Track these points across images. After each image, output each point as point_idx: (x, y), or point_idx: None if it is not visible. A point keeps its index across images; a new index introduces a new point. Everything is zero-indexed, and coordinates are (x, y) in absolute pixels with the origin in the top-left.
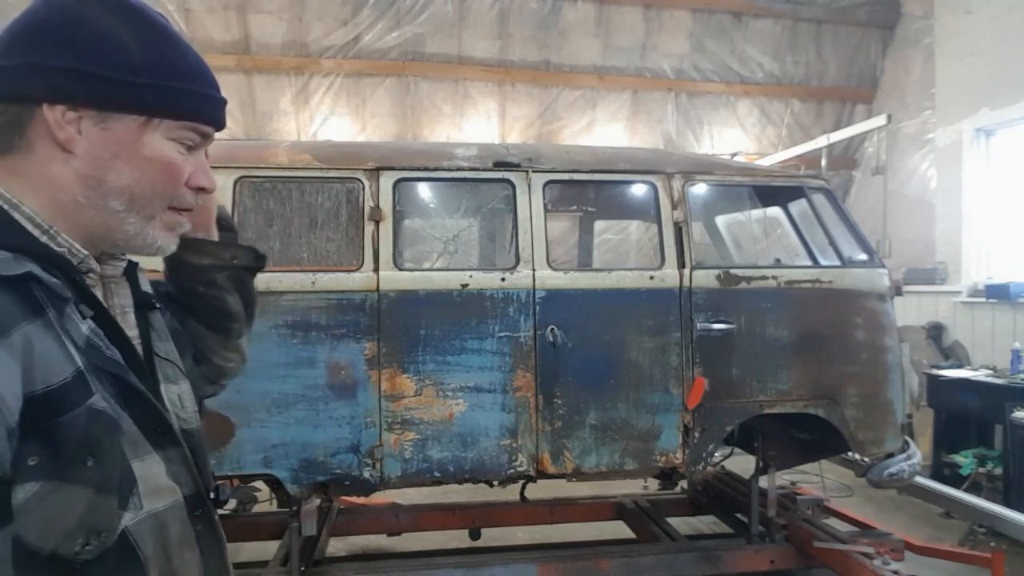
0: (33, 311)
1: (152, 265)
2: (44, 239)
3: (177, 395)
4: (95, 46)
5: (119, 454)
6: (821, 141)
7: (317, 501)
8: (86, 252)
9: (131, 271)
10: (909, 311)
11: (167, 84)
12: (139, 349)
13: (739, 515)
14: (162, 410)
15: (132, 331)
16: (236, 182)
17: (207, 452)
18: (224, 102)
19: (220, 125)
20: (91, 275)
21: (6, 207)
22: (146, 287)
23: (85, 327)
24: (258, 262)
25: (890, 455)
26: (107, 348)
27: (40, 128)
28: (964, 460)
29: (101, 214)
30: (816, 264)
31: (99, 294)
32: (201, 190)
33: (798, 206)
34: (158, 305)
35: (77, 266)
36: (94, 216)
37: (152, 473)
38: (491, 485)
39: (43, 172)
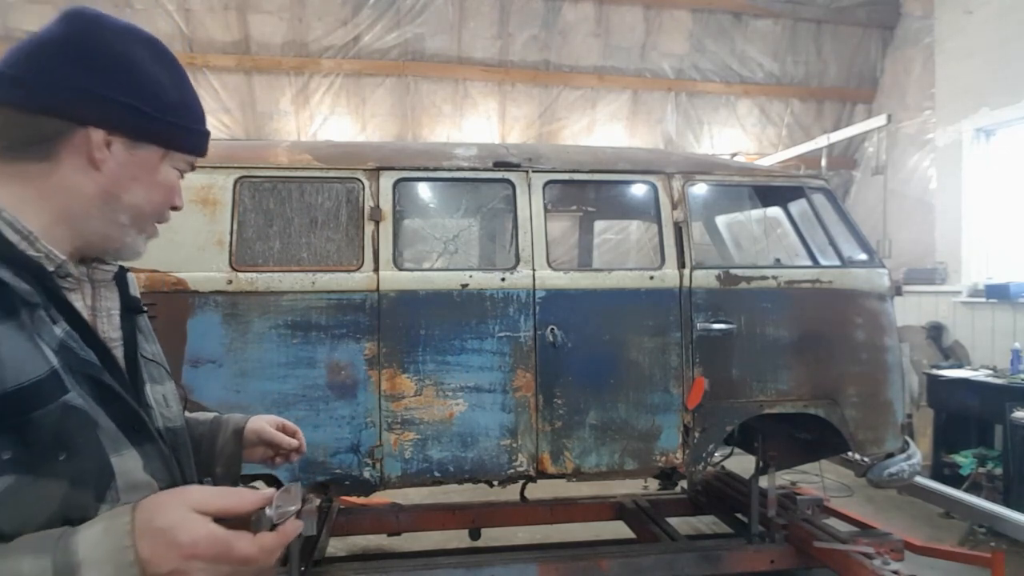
0: (5, 313)
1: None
2: (22, 245)
3: (162, 395)
4: (146, 86)
5: (96, 449)
6: (821, 141)
7: (317, 501)
8: (63, 258)
9: (121, 276)
10: (909, 311)
11: (187, 124)
12: (120, 351)
13: (739, 515)
14: (136, 407)
15: (116, 333)
16: (236, 182)
17: (191, 450)
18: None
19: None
20: (69, 279)
21: None
22: (135, 292)
23: (59, 330)
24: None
25: (890, 455)
26: (81, 349)
27: (74, 143)
28: (964, 460)
29: (106, 225)
30: (816, 264)
31: (86, 297)
32: (175, 208)
33: (798, 206)
34: (145, 309)
35: (54, 271)
36: (98, 227)
37: (130, 468)
38: (491, 485)
39: (63, 182)
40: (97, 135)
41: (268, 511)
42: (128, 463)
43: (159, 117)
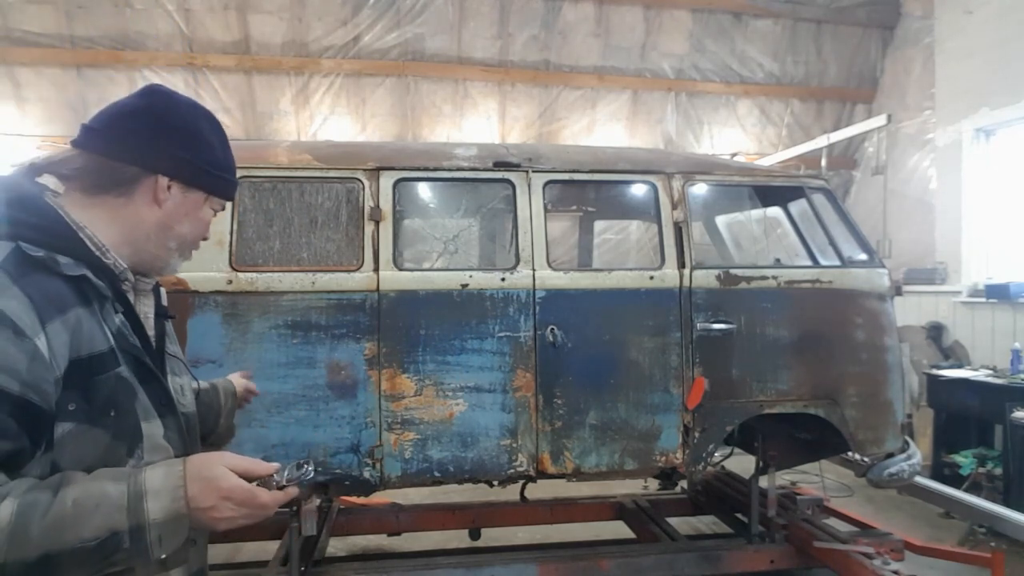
0: (84, 301)
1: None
2: (97, 254)
3: (180, 385)
4: (203, 148)
5: (133, 414)
6: (821, 141)
7: (317, 501)
8: (125, 266)
9: (155, 288)
10: (909, 311)
11: (226, 177)
12: (154, 344)
13: (739, 515)
14: (165, 385)
15: (151, 331)
16: None
17: (198, 433)
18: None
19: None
20: (126, 283)
21: (75, 228)
22: (164, 302)
23: (117, 319)
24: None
25: (890, 455)
26: (131, 336)
27: (145, 186)
28: (964, 460)
29: (157, 248)
30: (816, 264)
31: (131, 299)
32: (204, 239)
33: (798, 206)
34: (173, 315)
35: (118, 275)
36: (151, 248)
37: (154, 433)
38: (491, 485)
39: (133, 214)
40: (163, 181)
41: (276, 477)
42: (153, 429)
43: (209, 171)
